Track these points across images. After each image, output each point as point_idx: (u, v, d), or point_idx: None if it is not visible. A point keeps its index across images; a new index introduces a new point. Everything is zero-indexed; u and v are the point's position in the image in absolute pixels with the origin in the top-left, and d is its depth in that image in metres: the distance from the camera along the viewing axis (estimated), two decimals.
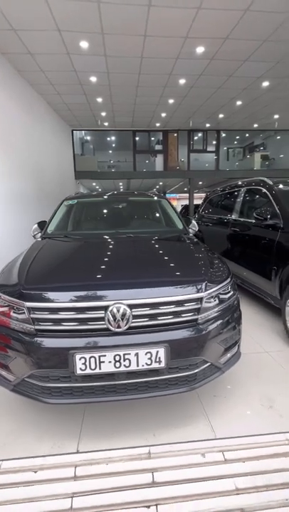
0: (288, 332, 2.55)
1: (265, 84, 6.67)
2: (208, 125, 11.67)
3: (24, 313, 1.42)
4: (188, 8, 3.88)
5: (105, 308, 1.40)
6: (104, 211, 3.14)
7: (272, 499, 1.22)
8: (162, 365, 1.38)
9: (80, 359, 1.33)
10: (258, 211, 3.15)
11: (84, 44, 4.81)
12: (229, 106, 8.68)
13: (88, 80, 6.33)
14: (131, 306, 1.42)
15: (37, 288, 1.50)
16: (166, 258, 1.91)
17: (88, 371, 1.34)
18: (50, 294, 1.46)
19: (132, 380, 1.41)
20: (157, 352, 1.38)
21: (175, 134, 13.09)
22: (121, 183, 17.00)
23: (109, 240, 2.26)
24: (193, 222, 3.13)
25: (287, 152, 14.49)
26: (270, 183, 3.36)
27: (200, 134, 13.29)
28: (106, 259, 1.86)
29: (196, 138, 13.39)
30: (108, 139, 16.17)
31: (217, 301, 1.64)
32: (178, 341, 1.43)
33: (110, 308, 1.40)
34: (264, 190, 3.37)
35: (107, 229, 2.70)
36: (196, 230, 3.15)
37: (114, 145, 16.99)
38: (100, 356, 1.34)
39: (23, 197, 5.89)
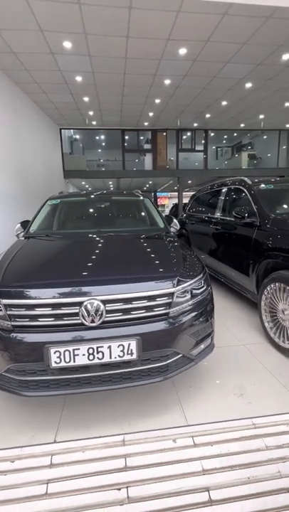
0: (264, 325, 2.66)
1: (249, 85, 6.82)
2: (195, 124, 11.82)
3: (1, 310, 1.47)
4: (169, 11, 3.96)
5: (80, 304, 1.47)
6: (87, 211, 3.19)
7: (235, 478, 1.32)
8: (134, 356, 1.46)
9: (54, 353, 1.39)
10: (236, 210, 3.26)
11: (67, 44, 4.83)
12: (215, 106, 8.83)
13: (74, 79, 6.34)
14: (104, 302, 1.49)
15: (14, 286, 1.55)
16: (141, 255, 1.99)
17: (63, 364, 1.41)
18: (27, 292, 1.52)
19: (106, 372, 1.48)
20: (129, 344, 1.45)
21: (164, 133, 13.19)
22: (111, 182, 17.00)
23: (89, 239, 2.32)
24: (175, 221, 3.22)
25: (274, 151, 14.78)
26: (249, 182, 3.48)
27: (189, 134, 13.42)
28: (83, 257, 1.92)
29: (184, 137, 13.52)
30: (97, 137, 16.13)
31: (189, 296, 1.72)
32: (149, 334, 1.51)
33: (84, 304, 1.46)
34: (243, 189, 3.48)
35: (89, 228, 2.75)
36: (178, 228, 3.25)
37: (104, 144, 16.96)
38: (74, 350, 1.41)
39: (7, 197, 5.87)
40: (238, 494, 1.24)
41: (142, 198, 3.40)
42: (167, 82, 6.55)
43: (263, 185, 3.41)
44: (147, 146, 13.56)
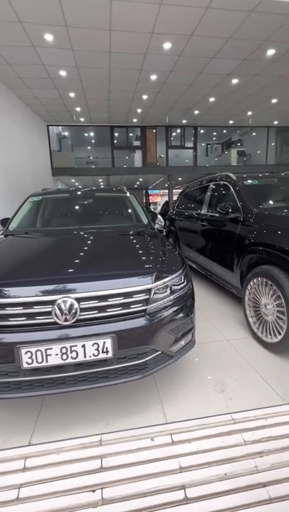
0: (248, 320, 2.66)
1: (235, 81, 6.82)
2: (184, 121, 11.79)
3: None
4: (151, 3, 3.89)
5: (52, 302, 1.42)
6: (69, 207, 3.13)
7: (212, 474, 1.30)
8: (110, 355, 1.42)
9: (26, 353, 1.35)
10: (221, 205, 3.25)
11: (49, 37, 4.71)
12: (203, 102, 8.81)
13: (58, 74, 6.21)
14: (79, 300, 1.45)
15: None
16: (120, 252, 1.95)
17: (35, 364, 1.36)
18: None
19: (81, 372, 1.44)
20: (104, 343, 1.41)
21: (154, 130, 13.12)
22: (100, 180, 16.85)
23: (68, 236, 2.27)
24: (159, 217, 3.20)
25: (263, 148, 14.90)
26: (234, 178, 3.47)
27: (178, 130, 13.39)
28: (59, 255, 1.87)
29: (174, 134, 13.48)
30: (86, 134, 15.91)
31: (168, 292, 1.70)
32: (126, 332, 1.48)
33: (58, 303, 1.42)
34: (228, 185, 3.48)
35: (70, 225, 2.70)
36: (162, 224, 3.23)
37: (93, 141, 16.76)
38: (46, 349, 1.36)
39: None
40: (214, 491, 1.23)
41: (126, 194, 3.36)
42: (154, 77, 6.48)
43: (247, 181, 3.41)
44: (137, 143, 13.45)
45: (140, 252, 1.96)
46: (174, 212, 5.60)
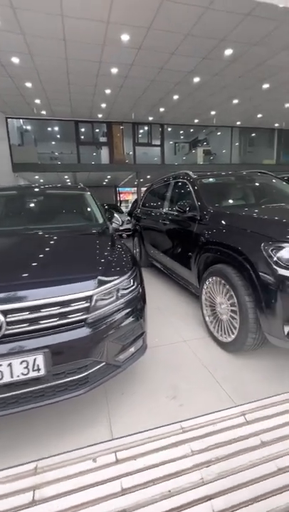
0: (205, 319, 2.64)
1: (196, 79, 6.87)
2: (151, 118, 11.73)
3: None
4: None
5: None
6: (15, 206, 2.87)
7: (155, 493, 1.21)
8: (42, 373, 1.27)
9: None
10: (179, 204, 3.21)
11: None
12: (167, 100, 8.80)
13: (9, 60, 5.75)
14: (5, 312, 1.27)
15: None
16: (61, 255, 1.79)
17: None
18: None
19: (10, 394, 1.27)
20: (35, 359, 1.26)
21: (121, 127, 12.90)
22: (66, 177, 16.23)
23: (7, 239, 2.05)
24: (116, 216, 3.06)
25: (229, 148, 15.36)
26: (193, 176, 3.45)
27: (146, 128, 13.30)
28: None
29: (141, 131, 13.37)
30: (50, 129, 15.19)
31: (114, 297, 1.58)
32: (61, 345, 1.33)
33: None
34: (187, 183, 3.44)
35: (13, 225, 2.46)
36: (120, 223, 3.09)
37: (58, 136, 16.05)
38: None
39: None
40: None
41: (81, 192, 3.18)
42: (114, 70, 6.29)
43: (205, 179, 3.41)
44: (103, 139, 13.13)
45: (84, 254, 1.82)
46: (139, 210, 5.51)
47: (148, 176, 17.21)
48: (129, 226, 6.73)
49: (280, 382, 1.84)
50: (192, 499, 1.19)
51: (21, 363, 1.24)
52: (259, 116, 11.49)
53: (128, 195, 28.43)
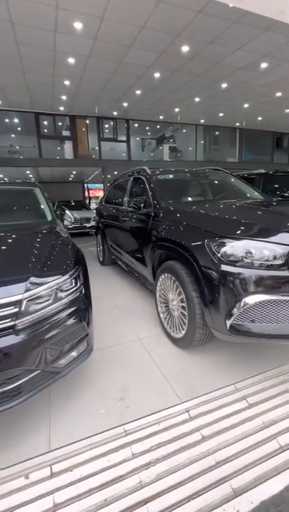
0: (159, 316, 2.64)
1: (157, 75, 6.85)
2: (115, 113, 11.53)
3: None
4: None
5: None
6: None
7: (90, 504, 1.16)
8: None
9: None
10: (134, 200, 3.16)
11: None
12: (130, 94, 8.68)
13: None
14: None
15: None
16: None
17: None
18: None
19: None
20: None
21: (87, 121, 12.50)
22: (28, 172, 15.40)
23: None
24: (68, 213, 2.93)
25: (194, 145, 15.63)
26: (149, 172, 3.41)
27: (112, 123, 13.04)
28: None
29: (106, 126, 13.09)
30: (8, 120, 14.23)
31: (51, 300, 1.48)
32: None
33: None
34: (143, 179, 3.40)
35: None
36: (72, 221, 2.97)
37: (19, 128, 15.11)
38: None
39: None
40: None
41: (29, 187, 2.98)
42: (71, 60, 6.02)
43: (161, 176, 3.40)
44: (66, 133, 12.62)
45: (19, 255, 1.68)
46: (101, 207, 5.39)
47: (115, 172, 16.95)
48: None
49: (225, 375, 1.88)
50: (128, 505, 1.15)
51: None
52: (221, 115, 11.84)
53: (98, 192, 27.85)
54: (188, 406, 1.63)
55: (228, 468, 1.30)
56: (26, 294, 1.36)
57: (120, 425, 1.51)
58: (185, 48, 5.51)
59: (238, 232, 1.82)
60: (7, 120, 13.99)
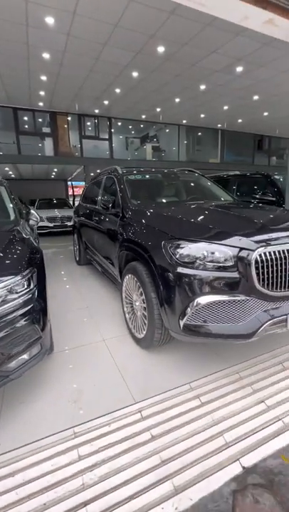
0: (125, 316, 2.64)
1: (135, 74, 6.84)
2: (97, 111, 11.39)
3: None
4: None
5: None
6: None
7: (28, 509, 1.15)
8: None
9: None
10: (103, 200, 3.15)
11: None
12: (110, 92, 8.61)
13: None
14: None
15: None
16: None
17: None
18: None
19: None
20: None
21: (69, 118, 12.27)
22: (7, 168, 14.95)
23: None
24: (33, 212, 2.88)
25: (177, 145, 15.72)
26: (120, 172, 3.41)
27: (96, 120, 12.88)
28: None
29: (89, 123, 12.92)
30: None
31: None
32: None
33: None
34: (114, 178, 3.39)
35: None
36: (38, 220, 2.92)
37: None
38: None
39: None
40: None
41: None
42: (46, 56, 5.89)
43: (131, 176, 3.39)
44: (47, 130, 12.35)
45: None
46: (78, 206, 5.34)
47: (98, 170, 16.79)
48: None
49: (182, 374, 1.92)
50: (67, 508, 1.15)
51: None
52: (202, 116, 11.99)
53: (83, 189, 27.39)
54: (142, 406, 1.64)
55: (172, 466, 1.32)
56: None
57: (70, 427, 1.50)
58: (161, 49, 5.53)
59: (194, 234, 1.85)
60: None
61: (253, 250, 1.62)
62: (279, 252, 1.67)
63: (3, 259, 1.65)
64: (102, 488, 1.23)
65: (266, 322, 1.65)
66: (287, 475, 1.30)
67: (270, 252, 1.64)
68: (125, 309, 2.58)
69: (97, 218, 3.74)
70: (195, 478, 1.27)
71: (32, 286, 1.65)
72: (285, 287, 1.71)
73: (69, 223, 9.31)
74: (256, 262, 1.62)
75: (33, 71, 6.78)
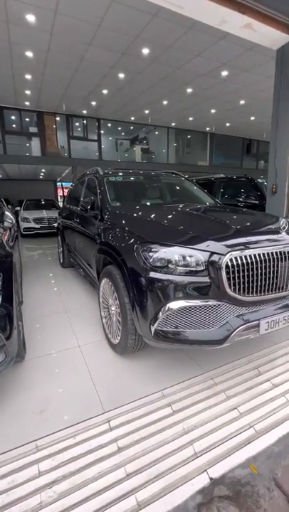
0: (102, 321, 2.58)
1: (122, 75, 6.81)
2: (85, 111, 11.31)
3: None
4: None
5: None
6: None
7: None
8: None
9: None
10: (82, 201, 3.09)
11: None
12: (97, 93, 8.55)
13: None
14: None
15: None
16: None
17: None
18: None
19: None
20: None
21: (58, 118, 12.13)
22: None
23: None
24: (7, 214, 2.79)
25: (166, 147, 15.78)
26: (101, 173, 3.35)
27: (85, 121, 12.78)
28: None
29: (77, 124, 12.81)
30: None
31: None
32: None
33: None
34: (95, 180, 3.34)
35: None
36: (13, 222, 2.83)
37: None
38: None
39: None
40: None
41: None
42: (29, 54, 5.78)
43: (112, 177, 3.34)
44: (34, 130, 12.17)
45: None
46: (62, 207, 5.26)
47: (87, 171, 16.63)
48: None
49: (156, 382, 1.87)
50: None
51: None
52: (191, 119, 12.08)
53: None
54: (110, 416, 1.59)
55: (137, 479, 1.27)
56: None
57: (33, 441, 1.43)
58: (145, 51, 5.52)
59: (167, 238, 1.81)
60: None
61: (224, 255, 1.59)
62: (251, 256, 1.65)
63: None
64: (62, 505, 1.16)
65: (238, 327, 1.62)
66: (254, 485, 1.27)
67: (241, 257, 1.62)
68: (102, 314, 2.52)
69: (78, 220, 3.67)
70: (160, 492, 1.22)
71: None
72: (257, 292, 1.69)
73: (56, 224, 9.15)
74: (227, 266, 1.59)
75: (17, 69, 6.65)
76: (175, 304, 1.62)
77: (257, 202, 4.73)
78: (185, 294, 1.63)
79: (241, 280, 1.63)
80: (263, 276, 1.67)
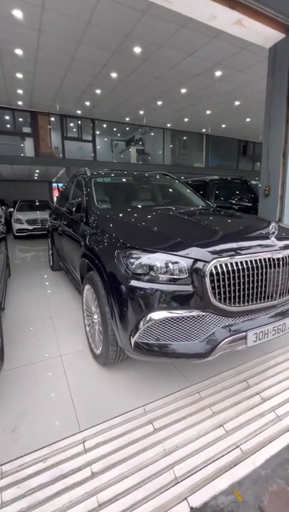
0: (85, 329, 2.46)
1: (114, 75, 6.70)
2: (79, 112, 11.19)
3: None
4: None
5: None
6: None
7: None
8: None
9: None
10: (68, 203, 2.97)
11: None
12: (90, 93, 8.44)
13: None
14: None
15: None
16: None
17: None
18: None
19: None
20: None
21: (52, 118, 11.99)
22: None
23: None
24: None
25: (165, 148, 15.69)
26: (88, 174, 3.25)
27: (79, 122, 12.65)
28: None
29: (71, 124, 12.68)
30: None
31: None
32: None
33: None
34: (82, 181, 3.23)
35: None
36: (2, 222, 2.70)
37: None
38: None
39: None
40: None
41: None
42: (19, 52, 5.65)
43: (100, 178, 3.23)
44: (27, 130, 12.00)
45: None
46: (53, 209, 5.15)
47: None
48: None
49: (138, 396, 1.76)
50: None
51: None
52: (186, 120, 12.01)
53: None
54: (86, 436, 1.47)
55: (110, 510, 1.16)
56: None
57: (4, 464, 1.31)
58: (137, 49, 5.42)
59: (150, 243, 1.69)
60: None
61: (208, 262, 1.49)
62: (238, 263, 1.55)
63: None
64: None
65: (224, 340, 1.52)
66: None
67: (226, 264, 1.51)
68: (86, 322, 2.40)
69: (65, 222, 3.56)
70: None
71: None
72: (245, 302, 1.59)
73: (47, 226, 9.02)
74: (211, 274, 1.49)
75: (7, 68, 6.51)
76: (156, 315, 1.51)
77: (250, 204, 4.65)
78: (167, 304, 1.52)
79: (227, 289, 1.52)
80: (251, 285, 1.57)
